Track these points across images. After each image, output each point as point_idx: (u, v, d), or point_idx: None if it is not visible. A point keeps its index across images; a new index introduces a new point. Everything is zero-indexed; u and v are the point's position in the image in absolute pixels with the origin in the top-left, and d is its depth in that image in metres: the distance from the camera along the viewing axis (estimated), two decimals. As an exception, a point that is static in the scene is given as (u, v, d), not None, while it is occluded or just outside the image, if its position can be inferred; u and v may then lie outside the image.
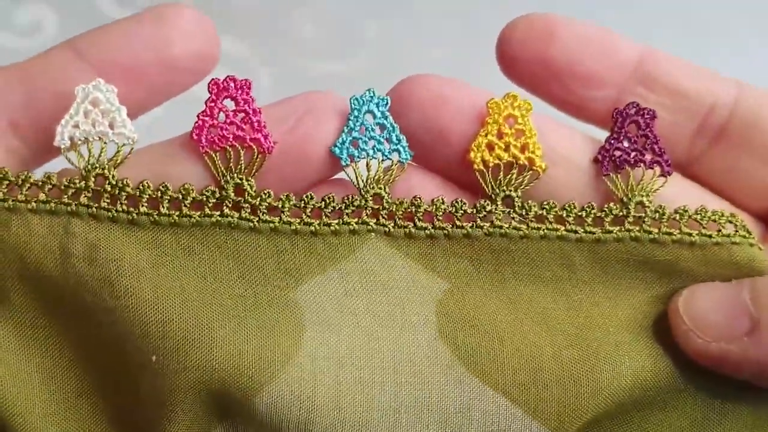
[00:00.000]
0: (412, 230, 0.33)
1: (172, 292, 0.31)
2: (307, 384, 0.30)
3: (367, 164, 0.33)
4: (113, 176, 0.32)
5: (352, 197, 0.33)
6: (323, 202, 0.32)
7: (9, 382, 0.31)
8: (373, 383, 0.31)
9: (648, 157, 0.33)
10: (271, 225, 0.32)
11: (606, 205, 0.33)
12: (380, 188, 0.33)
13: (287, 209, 0.32)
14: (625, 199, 0.33)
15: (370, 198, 0.33)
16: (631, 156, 0.33)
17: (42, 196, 0.32)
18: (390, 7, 0.69)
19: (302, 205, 0.32)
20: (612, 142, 0.33)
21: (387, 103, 0.33)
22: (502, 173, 0.33)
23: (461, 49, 0.66)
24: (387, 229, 0.33)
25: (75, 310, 0.32)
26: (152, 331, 0.30)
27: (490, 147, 0.33)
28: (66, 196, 0.32)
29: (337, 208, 0.33)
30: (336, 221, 0.32)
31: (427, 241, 0.33)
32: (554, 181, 0.33)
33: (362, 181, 0.33)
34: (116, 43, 0.32)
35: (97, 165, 0.32)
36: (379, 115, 0.33)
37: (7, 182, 0.32)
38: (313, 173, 0.33)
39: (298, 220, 0.32)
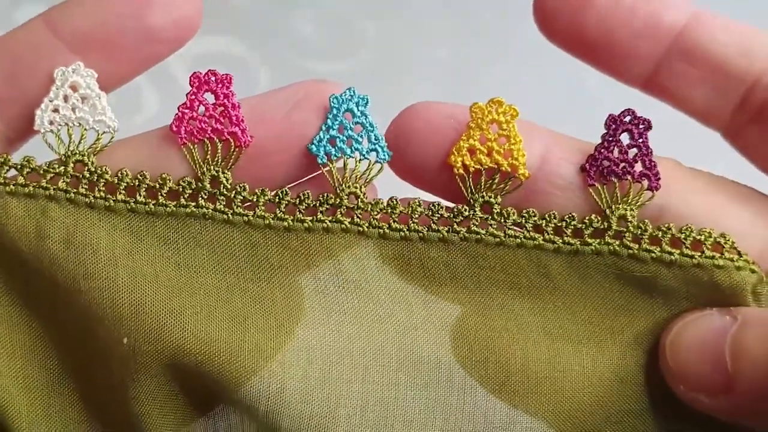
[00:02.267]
0: (387, 231, 0.33)
1: (145, 278, 0.31)
2: (287, 377, 0.31)
3: (345, 163, 0.33)
4: (92, 163, 0.32)
5: (328, 195, 0.33)
6: (297, 199, 0.33)
7: None
8: (348, 380, 0.31)
9: (638, 169, 0.32)
10: (245, 218, 0.33)
11: (587, 217, 0.33)
12: (356, 187, 0.33)
13: (262, 203, 0.33)
14: (607, 212, 0.32)
15: (346, 197, 0.33)
16: (620, 167, 0.32)
17: (20, 179, 0.32)
18: (390, 7, 0.70)
19: (276, 200, 0.33)
20: (601, 150, 0.32)
21: (367, 102, 0.33)
22: (483, 178, 0.33)
23: (461, 49, 0.68)
24: (360, 229, 0.33)
25: (47, 291, 0.32)
26: (125, 314, 0.31)
27: (472, 151, 0.32)
28: (45, 180, 0.32)
29: (311, 205, 0.33)
30: (309, 218, 0.33)
31: (402, 243, 0.33)
32: (537, 189, 0.33)
33: (338, 179, 0.33)
34: (91, 13, 0.31)
35: (77, 152, 0.32)
36: (358, 113, 0.33)
37: None
38: (311, 160, 0.33)
39: (272, 215, 0.33)
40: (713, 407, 0.31)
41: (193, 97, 0.32)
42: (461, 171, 0.32)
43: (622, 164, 0.32)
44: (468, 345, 0.32)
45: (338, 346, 0.32)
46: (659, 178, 0.32)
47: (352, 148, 0.33)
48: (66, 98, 0.32)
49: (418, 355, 0.32)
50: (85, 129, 0.32)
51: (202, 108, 0.33)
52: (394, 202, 0.33)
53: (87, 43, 0.32)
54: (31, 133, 0.33)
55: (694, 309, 0.32)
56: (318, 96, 0.33)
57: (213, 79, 0.33)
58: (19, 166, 0.32)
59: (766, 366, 0.29)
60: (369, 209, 0.33)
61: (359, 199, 0.33)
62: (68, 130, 0.32)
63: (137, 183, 0.32)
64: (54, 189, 0.32)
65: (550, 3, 0.32)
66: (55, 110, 0.32)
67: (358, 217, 0.33)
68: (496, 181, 0.33)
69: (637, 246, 0.32)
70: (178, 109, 0.32)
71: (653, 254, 0.32)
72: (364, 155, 0.33)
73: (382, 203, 0.33)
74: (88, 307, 0.31)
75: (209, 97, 0.33)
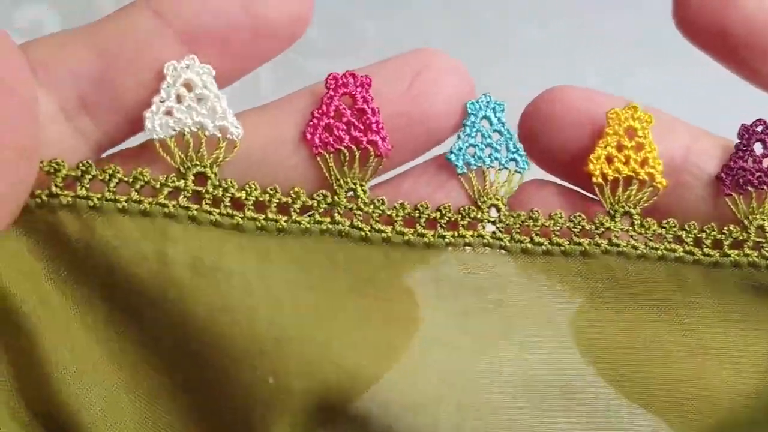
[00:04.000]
0: (529, 246, 0.31)
1: (285, 308, 0.28)
2: (415, 394, 0.28)
3: (483, 173, 0.31)
4: (215, 175, 0.28)
5: (469, 208, 0.30)
6: (438, 213, 0.30)
7: (95, 392, 0.27)
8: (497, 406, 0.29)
9: None
10: (383, 235, 0.29)
11: (726, 227, 0.32)
12: (497, 199, 0.30)
13: (401, 218, 0.30)
14: (745, 222, 0.32)
15: (487, 209, 0.30)
16: (755, 176, 0.32)
17: (134, 195, 0.28)
18: (390, 7, 0.69)
19: (417, 215, 0.30)
20: (736, 160, 0.32)
21: (503, 109, 0.31)
22: (621, 188, 0.31)
23: (461, 49, 0.65)
24: (503, 243, 0.30)
25: (171, 327, 0.27)
26: (267, 350, 0.27)
27: (609, 159, 0.31)
28: (162, 196, 0.28)
29: (452, 219, 0.30)
30: (450, 234, 0.30)
31: (543, 258, 0.31)
32: (679, 181, 0.31)
33: (478, 190, 0.30)
34: (203, 4, 0.28)
35: (197, 162, 0.28)
36: (495, 121, 0.31)
37: (90, 176, 0.27)
38: (432, 136, 0.30)
39: (411, 230, 0.30)
40: None
41: (329, 100, 0.29)
42: (600, 180, 0.31)
43: (758, 173, 0.32)
44: (612, 361, 0.31)
45: (480, 366, 0.29)
46: None
47: (491, 157, 0.31)
48: (179, 98, 0.28)
49: (563, 375, 0.30)
50: (204, 135, 0.28)
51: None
52: (536, 214, 0.31)
53: (199, 35, 0.28)
54: (126, 136, 0.29)
55: None
56: (438, 66, 0.30)
57: (352, 81, 0.29)
58: (131, 180, 0.28)
59: None
60: (511, 222, 0.30)
61: (501, 212, 0.30)
62: (185, 136, 0.28)
63: (268, 198, 0.28)
64: (174, 206, 0.28)
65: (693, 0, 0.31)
66: (168, 112, 0.28)
67: (499, 230, 0.30)
68: (634, 190, 0.31)
69: None
70: (312, 114, 0.29)
71: None
72: (503, 165, 0.31)
73: (523, 215, 0.31)
74: (221, 344, 0.27)
75: (345, 101, 0.29)
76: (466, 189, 0.30)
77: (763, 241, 0.31)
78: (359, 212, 0.29)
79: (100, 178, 0.27)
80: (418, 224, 0.30)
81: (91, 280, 0.27)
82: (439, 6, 0.69)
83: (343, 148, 0.29)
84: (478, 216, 0.30)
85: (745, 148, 0.32)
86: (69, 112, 0.27)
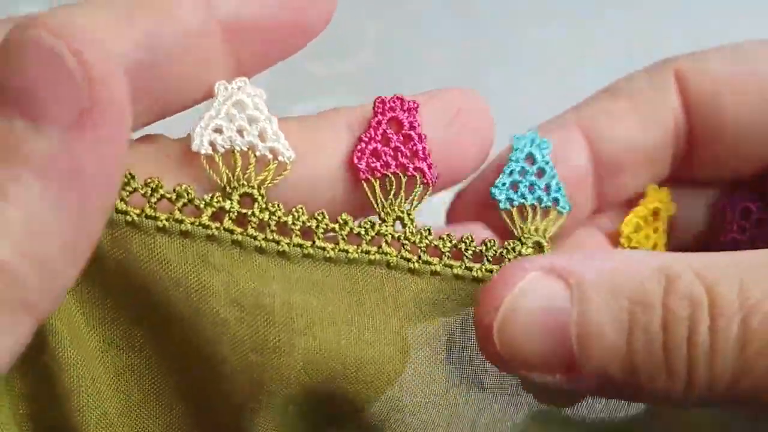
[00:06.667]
0: None
1: (331, 350, 0.27)
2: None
3: (523, 210, 0.31)
4: (262, 197, 0.27)
5: (513, 243, 0.30)
6: (484, 246, 0.30)
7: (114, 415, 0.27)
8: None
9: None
10: (432, 268, 0.29)
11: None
12: (540, 237, 0.30)
13: (447, 250, 0.29)
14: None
15: (530, 245, 0.30)
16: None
17: (177, 214, 0.26)
18: (390, 7, 0.68)
19: (463, 247, 0.29)
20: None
21: (548, 147, 0.31)
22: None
23: (461, 49, 0.66)
24: None
25: (201, 360, 0.27)
26: (298, 395, 0.27)
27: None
28: (205, 216, 0.27)
29: (497, 253, 0.30)
30: (497, 267, 0.30)
31: None
32: None
33: (521, 227, 0.30)
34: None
35: (244, 182, 0.27)
36: (539, 158, 0.31)
37: (131, 189, 0.26)
38: (458, 174, 0.30)
39: (459, 264, 0.29)
40: (552, 384, 0.27)
41: (377, 125, 0.29)
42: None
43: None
44: None
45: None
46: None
47: (533, 194, 0.31)
48: (230, 118, 0.27)
49: None
50: (254, 156, 0.27)
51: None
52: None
53: (238, 27, 0.27)
54: (149, 121, 0.27)
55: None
56: (476, 108, 0.30)
57: (399, 105, 0.29)
58: (173, 197, 0.26)
59: (616, 347, 0.25)
60: None
61: (543, 249, 0.30)
62: (233, 155, 0.27)
63: (315, 224, 0.28)
64: (217, 228, 0.27)
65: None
66: (217, 130, 0.27)
67: None
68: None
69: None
70: (360, 138, 0.28)
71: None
72: (544, 204, 0.31)
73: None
74: (255, 381, 0.26)
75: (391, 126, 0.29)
76: (508, 224, 0.30)
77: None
78: (407, 242, 0.29)
79: (141, 192, 0.26)
80: (464, 257, 0.29)
81: (117, 299, 0.27)
82: (439, 6, 0.68)
83: (389, 174, 0.29)
84: (522, 252, 0.30)
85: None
86: None
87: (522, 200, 0.30)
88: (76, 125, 0.21)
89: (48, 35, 0.21)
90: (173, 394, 0.28)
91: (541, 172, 0.31)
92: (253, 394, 0.27)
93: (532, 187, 0.30)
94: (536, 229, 0.30)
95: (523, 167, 0.31)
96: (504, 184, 0.30)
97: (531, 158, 0.31)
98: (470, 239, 0.29)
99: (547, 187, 0.31)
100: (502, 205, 0.30)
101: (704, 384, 0.25)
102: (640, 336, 0.25)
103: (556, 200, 0.31)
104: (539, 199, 0.30)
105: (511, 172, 0.30)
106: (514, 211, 0.30)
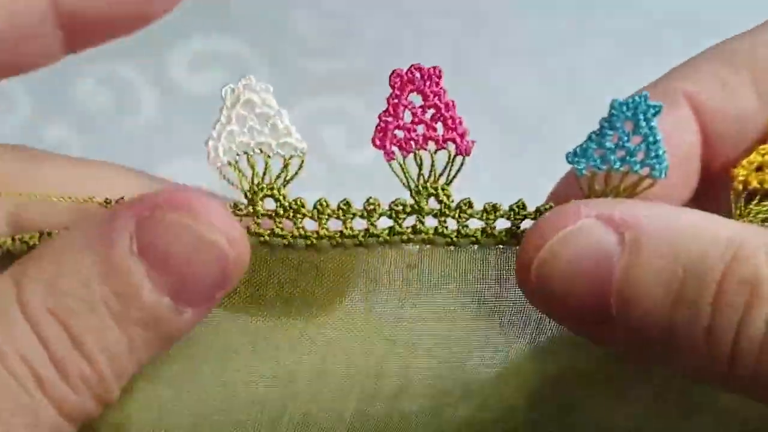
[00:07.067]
0: None
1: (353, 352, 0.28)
2: None
3: (606, 177, 0.27)
4: (284, 196, 0.26)
5: None
6: (537, 212, 0.27)
7: None
8: None
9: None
10: (473, 238, 0.27)
11: None
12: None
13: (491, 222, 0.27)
14: None
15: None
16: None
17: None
18: (390, 7, 0.68)
19: (512, 216, 0.27)
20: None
21: (658, 112, 0.26)
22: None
23: (461, 49, 0.66)
24: None
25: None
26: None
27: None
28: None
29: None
30: None
31: None
32: None
33: (598, 192, 0.27)
34: None
35: (263, 185, 0.26)
36: (643, 125, 0.26)
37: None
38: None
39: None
40: (585, 333, 0.26)
41: (396, 100, 0.27)
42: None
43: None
44: None
45: None
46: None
47: (622, 160, 0.27)
48: (240, 121, 0.26)
49: None
50: (269, 156, 0.26)
51: (407, 113, 0.27)
52: None
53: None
54: None
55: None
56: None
57: (418, 75, 0.27)
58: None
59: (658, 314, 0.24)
60: None
61: None
62: (248, 159, 0.26)
63: (342, 213, 0.26)
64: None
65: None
66: (230, 137, 0.26)
67: None
68: None
69: None
70: (380, 118, 0.26)
71: None
72: (634, 169, 0.27)
73: None
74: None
75: (415, 99, 0.27)
76: (585, 191, 0.27)
77: None
78: (443, 218, 0.27)
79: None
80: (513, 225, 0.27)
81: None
82: (439, 6, 0.68)
83: (417, 151, 0.26)
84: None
85: None
86: None
87: (604, 168, 0.27)
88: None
89: (211, 228, 0.24)
90: None
91: (639, 138, 0.27)
92: None
93: (622, 152, 0.27)
94: (616, 195, 0.27)
95: (618, 130, 0.26)
96: (585, 150, 0.26)
97: (632, 123, 0.26)
98: (521, 205, 0.27)
99: (644, 153, 0.27)
100: (579, 173, 0.27)
101: (749, 375, 0.23)
102: (686, 312, 0.23)
103: (650, 166, 0.27)
104: (628, 165, 0.27)
105: (599, 136, 0.26)
106: (594, 178, 0.27)
